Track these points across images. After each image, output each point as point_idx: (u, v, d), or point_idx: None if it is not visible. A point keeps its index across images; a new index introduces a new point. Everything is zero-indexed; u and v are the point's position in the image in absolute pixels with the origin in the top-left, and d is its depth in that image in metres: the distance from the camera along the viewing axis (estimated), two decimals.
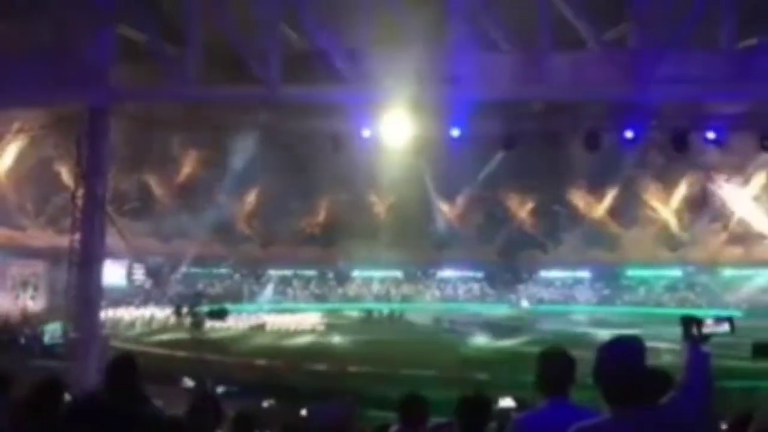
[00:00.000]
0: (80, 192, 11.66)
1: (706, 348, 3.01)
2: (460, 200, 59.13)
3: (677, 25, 11.28)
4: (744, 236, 56.40)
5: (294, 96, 12.08)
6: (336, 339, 36.73)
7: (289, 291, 56.40)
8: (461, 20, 10.75)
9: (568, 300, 60.68)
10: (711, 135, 14.97)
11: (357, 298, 57.64)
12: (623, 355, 2.80)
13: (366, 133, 14.24)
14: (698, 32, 11.51)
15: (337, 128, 14.97)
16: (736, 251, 56.96)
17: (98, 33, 10.71)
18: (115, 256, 32.97)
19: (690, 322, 3.07)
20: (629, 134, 14.95)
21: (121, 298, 41.61)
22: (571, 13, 11.36)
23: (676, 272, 60.43)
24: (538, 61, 11.25)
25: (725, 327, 3.05)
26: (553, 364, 3.60)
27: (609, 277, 61.33)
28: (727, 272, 58.18)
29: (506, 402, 10.15)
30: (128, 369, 3.81)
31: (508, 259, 60.85)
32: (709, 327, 3.03)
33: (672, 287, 59.70)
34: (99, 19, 10.72)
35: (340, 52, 11.19)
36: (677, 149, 15.06)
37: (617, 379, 2.74)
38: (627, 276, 61.87)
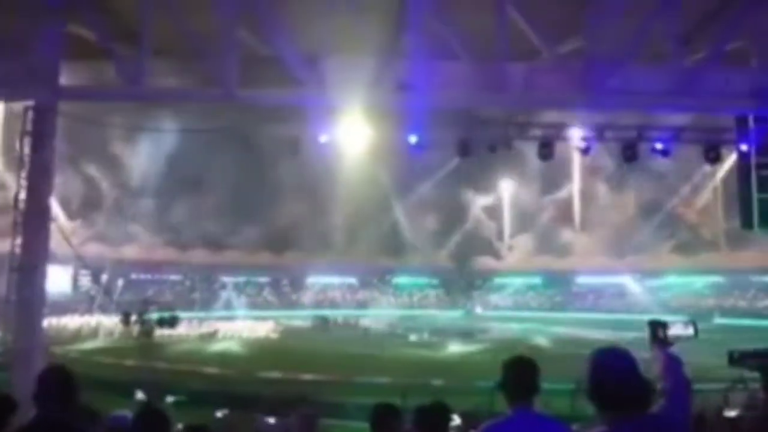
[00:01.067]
0: (22, 194, 11.15)
1: (675, 353, 3.09)
2: (416, 203, 59.39)
3: (628, 38, 11.59)
4: (689, 244, 58.57)
5: (250, 98, 11.89)
6: (290, 346, 36.30)
7: (243, 298, 55.56)
8: (417, 28, 10.79)
9: (521, 306, 61.71)
10: (659, 146, 15.45)
11: (312, 305, 57.20)
12: (622, 367, 2.78)
13: (323, 138, 14.13)
14: (648, 46, 11.86)
15: (294, 133, 14.82)
16: (681, 259, 59.05)
17: (46, 30, 10.31)
18: (60, 261, 31.76)
19: (657, 326, 3.18)
20: (582, 144, 15.30)
21: (66, 306, 40.15)
22: (526, 24, 11.54)
23: (625, 279, 62.23)
24: (494, 70, 11.39)
25: (689, 330, 3.17)
26: (519, 372, 3.59)
27: (560, 284, 62.68)
28: (671, 279, 60.31)
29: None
30: (61, 382, 3.51)
31: (462, 265, 61.46)
32: (674, 330, 3.14)
33: (620, 294, 61.43)
34: (47, 16, 10.32)
35: (297, 57, 11.08)
36: (627, 159, 15.48)
37: (617, 390, 2.71)
38: (577, 283, 63.38)
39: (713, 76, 11.76)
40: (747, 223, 16.48)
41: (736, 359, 3.04)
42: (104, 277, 47.12)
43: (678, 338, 3.19)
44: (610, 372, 2.75)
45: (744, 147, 15.45)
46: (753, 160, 16.58)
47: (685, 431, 2.94)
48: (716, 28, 11.78)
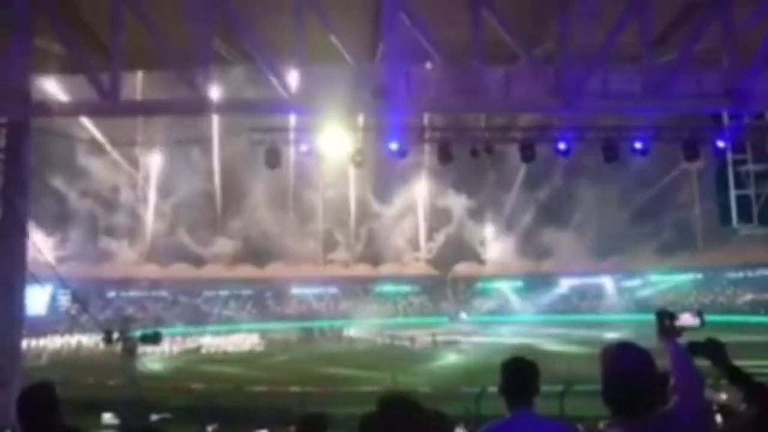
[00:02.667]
0: None
1: (682, 346, 3.06)
2: (397, 208, 59.34)
3: (601, 41, 11.71)
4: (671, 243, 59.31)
5: (229, 109, 11.79)
6: (276, 359, 35.98)
7: (226, 312, 55.00)
8: (393, 34, 10.79)
9: (505, 310, 61.89)
10: (638, 145, 15.63)
11: (295, 317, 56.80)
12: (634, 366, 2.71)
13: (303, 148, 14.06)
14: (621, 49, 11.99)
15: (274, 143, 14.73)
16: (660, 258, 59.74)
17: (15, 44, 10.13)
18: (38, 281, 31.11)
19: (664, 317, 3.15)
20: (562, 146, 15.41)
21: (45, 326, 39.40)
22: (501, 28, 11.60)
23: (607, 279, 62.77)
24: (470, 74, 11.42)
25: (696, 321, 3.16)
26: (518, 373, 3.55)
27: (543, 287, 63.02)
28: (654, 277, 60.96)
29: None
30: (43, 400, 3.41)
31: (445, 270, 61.54)
32: (681, 321, 3.12)
33: (602, 294, 61.96)
34: (16, 30, 10.14)
35: (273, 66, 11.01)
36: (607, 159, 15.64)
37: (629, 391, 2.66)
38: (560, 285, 63.79)
39: (686, 76, 11.92)
40: (725, 219, 16.72)
41: (694, 349, 2.96)
42: (84, 296, 46.37)
43: (684, 328, 3.17)
44: (621, 371, 2.69)
45: (720, 144, 15.71)
46: (729, 157, 16.88)
47: (698, 429, 2.88)
48: (687, 29, 11.95)
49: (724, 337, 3.27)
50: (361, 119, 16.77)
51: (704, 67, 12.33)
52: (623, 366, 2.71)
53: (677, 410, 2.83)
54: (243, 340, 42.00)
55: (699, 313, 3.20)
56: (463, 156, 16.16)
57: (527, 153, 15.27)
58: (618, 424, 2.71)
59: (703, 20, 11.51)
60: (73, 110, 12.02)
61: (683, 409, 2.82)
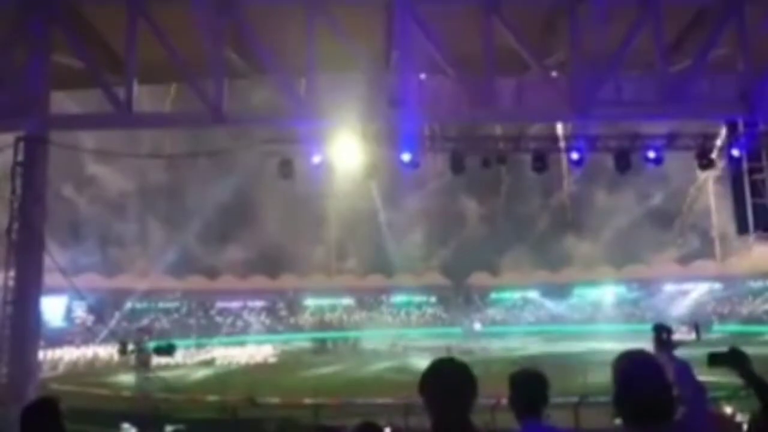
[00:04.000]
0: (15, 225, 11.03)
1: (682, 358, 3.07)
2: (410, 216, 59.09)
3: (614, 49, 11.66)
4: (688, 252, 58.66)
5: (240, 121, 11.87)
6: (290, 370, 35.95)
7: (239, 323, 55.15)
8: (405, 46, 10.83)
9: (520, 320, 61.47)
10: (651, 154, 15.52)
11: (309, 327, 56.80)
12: (646, 375, 2.70)
13: (316, 159, 14.12)
14: (634, 56, 11.93)
15: (287, 155, 14.82)
16: (677, 267, 59.09)
17: (32, 60, 10.29)
18: (54, 292, 31.46)
19: (661, 331, 3.21)
20: (575, 155, 15.34)
21: (61, 337, 39.72)
22: (513, 38, 11.60)
23: (621, 289, 62.14)
24: (482, 84, 11.42)
25: (692, 335, 3.21)
26: (526, 385, 3.55)
27: (557, 296, 62.56)
28: (669, 287, 60.26)
29: None
30: (47, 416, 3.39)
31: (459, 280, 61.25)
32: (678, 335, 3.17)
33: (617, 304, 61.32)
34: (33, 46, 10.31)
35: (286, 78, 11.08)
36: (620, 169, 15.53)
37: (642, 400, 2.64)
38: (575, 294, 63.27)
39: (700, 82, 11.83)
40: (742, 228, 16.51)
41: (715, 360, 2.96)
42: (100, 308, 46.72)
43: (681, 342, 3.20)
44: (635, 381, 2.68)
45: (735, 152, 15.54)
46: (745, 166, 16.69)
47: None
48: (700, 36, 11.88)
49: (743, 348, 3.24)
50: (373, 130, 16.84)
51: (718, 73, 12.24)
52: (635, 374, 2.69)
53: (686, 421, 2.84)
54: (257, 351, 42.05)
55: (696, 328, 3.25)
56: (476, 165, 16.16)
57: (539, 164, 15.23)
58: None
59: (716, 26, 11.43)
60: (89, 123, 12.18)
61: (692, 420, 2.84)
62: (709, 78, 12.09)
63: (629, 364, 2.74)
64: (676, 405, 2.88)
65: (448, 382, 2.73)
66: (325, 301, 59.84)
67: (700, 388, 2.99)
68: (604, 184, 53.90)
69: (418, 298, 63.17)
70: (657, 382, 2.68)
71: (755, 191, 16.67)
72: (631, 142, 15.52)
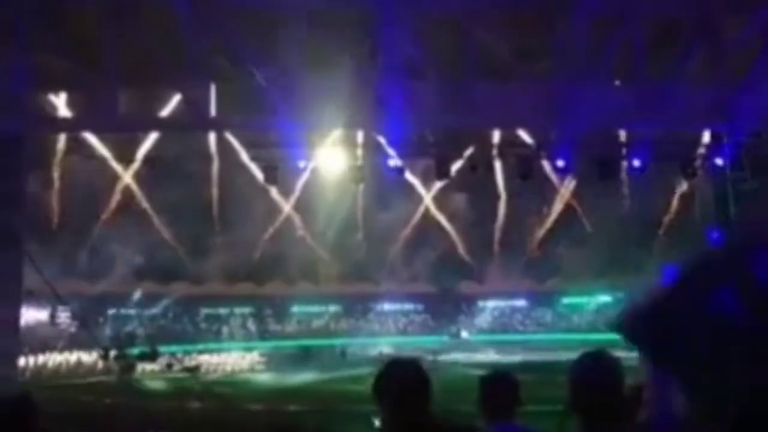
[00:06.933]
0: None
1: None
2: (397, 222, 58.89)
3: (596, 58, 11.79)
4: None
5: (229, 125, 11.86)
6: (275, 377, 35.72)
7: (225, 329, 54.71)
8: (390, 51, 10.90)
9: (507, 329, 61.54)
10: (636, 163, 15.64)
11: (296, 335, 56.48)
12: (597, 372, 2.71)
13: (301, 164, 14.12)
14: (616, 65, 12.07)
15: (273, 159, 14.79)
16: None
17: (14, 61, 10.24)
18: (36, 298, 31.08)
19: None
20: (561, 163, 15.42)
21: (44, 343, 39.20)
22: (495, 46, 11.71)
23: (606, 297, 62.38)
24: (464, 90, 11.49)
25: None
26: (495, 388, 3.53)
27: (545, 305, 62.69)
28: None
29: None
30: (19, 414, 3.33)
31: (444, 289, 61.13)
32: None
33: (602, 312, 61.54)
34: (14, 46, 10.26)
35: (272, 82, 11.10)
36: (602, 177, 15.64)
37: (597, 398, 2.65)
38: (563, 303, 63.45)
39: (681, 92, 11.98)
40: None
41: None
42: (84, 313, 46.19)
43: None
44: (584, 377, 2.70)
45: (719, 161, 15.70)
46: (729, 175, 16.85)
47: None
48: (680, 46, 12.04)
49: None
50: (360, 136, 16.87)
51: (698, 85, 12.40)
52: (581, 374, 2.71)
53: (650, 422, 2.82)
54: (242, 358, 41.76)
55: None
56: (463, 170, 16.22)
57: (525, 170, 15.31)
58: None
59: (693, 38, 11.60)
60: (72, 126, 12.11)
61: (658, 422, 2.79)
62: (688, 88, 12.25)
63: (578, 365, 2.77)
64: (635, 406, 2.87)
65: (400, 385, 2.73)
66: (312, 308, 59.56)
67: (673, 392, 2.91)
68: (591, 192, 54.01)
69: (405, 306, 63.08)
70: (603, 382, 2.68)
71: (738, 200, 16.83)
72: (614, 151, 15.64)
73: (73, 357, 39.49)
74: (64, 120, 11.52)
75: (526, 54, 12.13)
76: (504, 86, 12.16)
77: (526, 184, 18.55)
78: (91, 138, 24.76)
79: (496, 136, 17.74)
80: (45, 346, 38.74)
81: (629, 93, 12.41)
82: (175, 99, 11.87)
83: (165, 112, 12.64)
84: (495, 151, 16.49)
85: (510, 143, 17.44)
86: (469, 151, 16.32)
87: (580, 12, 11.61)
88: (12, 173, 10.50)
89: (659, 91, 12.13)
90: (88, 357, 37.60)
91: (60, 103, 12.36)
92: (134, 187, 47.42)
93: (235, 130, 12.63)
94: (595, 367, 2.74)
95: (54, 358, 38.89)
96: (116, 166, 39.58)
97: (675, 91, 12.11)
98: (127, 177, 45.90)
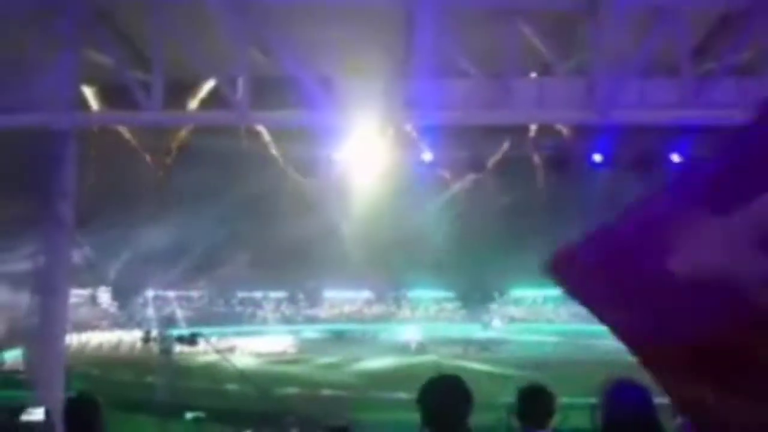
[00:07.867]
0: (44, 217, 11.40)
1: None
2: (428, 212, 58.78)
3: (637, 51, 11.58)
4: None
5: (263, 120, 12.05)
6: (308, 361, 36.33)
7: (260, 313, 55.71)
8: (427, 45, 10.90)
9: (539, 318, 61.15)
10: (675, 158, 15.35)
11: (329, 320, 57.19)
12: (633, 403, 2.76)
13: (336, 157, 14.28)
14: (658, 58, 11.84)
15: (307, 153, 15.00)
16: None
17: (60, 56, 10.59)
18: (80, 279, 32.14)
19: None
20: (598, 158, 15.23)
21: (87, 322, 40.59)
22: (535, 38, 11.59)
23: None
24: (504, 85, 11.43)
25: None
26: (533, 400, 3.67)
27: None
28: None
29: None
30: (88, 413, 3.59)
31: (477, 277, 60.84)
32: None
33: None
34: (60, 42, 10.61)
35: (309, 77, 11.22)
36: (641, 170, 15.43)
37: (625, 424, 2.70)
38: None
39: (725, 86, 11.70)
40: None
41: None
42: (125, 294, 47.56)
43: None
44: (622, 408, 2.74)
45: None
46: None
47: None
48: (726, 38, 11.74)
49: None
50: (391, 131, 16.93)
51: (745, 76, 12.08)
52: (623, 405, 2.76)
53: None
54: (277, 342, 42.55)
55: None
56: (499, 162, 16.17)
57: (560, 164, 15.18)
58: None
59: (743, 29, 11.29)
60: (115, 120, 12.48)
61: None
62: (735, 82, 11.94)
63: (612, 393, 2.82)
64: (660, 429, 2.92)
65: (442, 401, 2.86)
66: (345, 294, 60.17)
67: None
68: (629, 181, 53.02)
69: (437, 294, 63.15)
70: (644, 408, 2.73)
71: None
72: (656, 144, 15.35)
73: (114, 336, 40.86)
74: (110, 114, 11.87)
75: (565, 46, 11.97)
76: (542, 80, 12.04)
77: (562, 176, 18.37)
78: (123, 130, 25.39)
79: (533, 129, 17.58)
80: (87, 326, 40.15)
81: (673, 86, 12.16)
82: (208, 90, 12.07)
83: (198, 104, 12.87)
84: (531, 144, 16.40)
85: (546, 134, 17.27)
86: (506, 145, 16.28)
87: (619, 3, 11.42)
88: (60, 167, 10.91)
89: (704, 84, 11.86)
90: (129, 336, 38.83)
91: (90, 95, 12.71)
92: (167, 176, 48.40)
93: (270, 125, 12.82)
94: (632, 396, 2.78)
95: (96, 337, 40.30)
96: (149, 157, 40.47)
97: (720, 84, 11.85)
98: (161, 166, 46.88)
